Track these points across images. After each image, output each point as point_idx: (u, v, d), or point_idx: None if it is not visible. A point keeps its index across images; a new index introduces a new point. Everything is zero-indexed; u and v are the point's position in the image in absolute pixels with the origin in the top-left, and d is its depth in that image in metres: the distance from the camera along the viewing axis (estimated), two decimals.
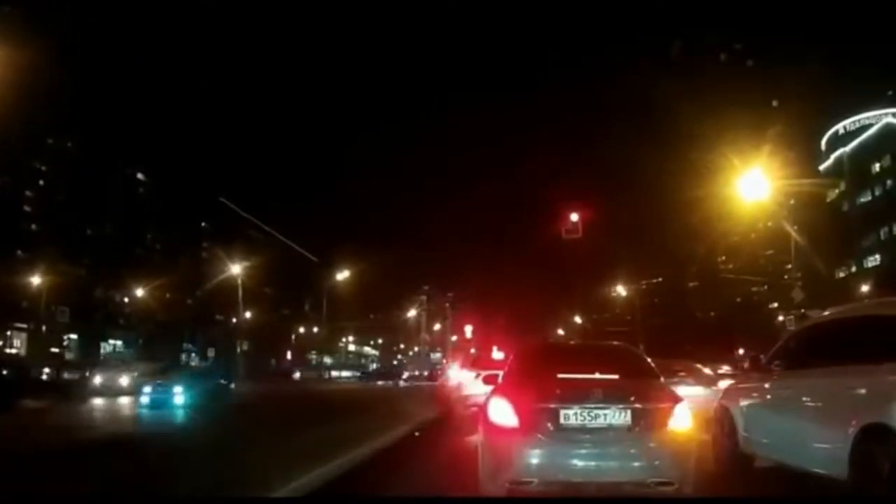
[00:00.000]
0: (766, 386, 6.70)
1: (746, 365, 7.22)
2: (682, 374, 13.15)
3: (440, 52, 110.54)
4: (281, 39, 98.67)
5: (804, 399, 5.77)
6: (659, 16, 77.06)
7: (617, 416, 4.82)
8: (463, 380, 14.82)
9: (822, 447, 5.21)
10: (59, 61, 41.20)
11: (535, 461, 4.80)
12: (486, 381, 6.68)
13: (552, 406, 4.87)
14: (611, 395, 4.94)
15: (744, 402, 6.98)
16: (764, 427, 6.44)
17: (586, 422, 4.82)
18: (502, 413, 4.99)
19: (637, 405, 4.88)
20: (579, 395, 4.93)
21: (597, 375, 5.48)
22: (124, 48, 53.67)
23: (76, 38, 46.41)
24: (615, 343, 8.21)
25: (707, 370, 15.46)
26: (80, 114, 52.46)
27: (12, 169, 49.46)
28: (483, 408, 5.38)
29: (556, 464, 4.79)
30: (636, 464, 4.76)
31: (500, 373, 6.21)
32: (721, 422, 7.29)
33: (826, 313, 6.64)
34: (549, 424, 4.82)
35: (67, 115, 52.43)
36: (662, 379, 5.78)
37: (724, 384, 12.92)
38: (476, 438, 5.71)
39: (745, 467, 6.80)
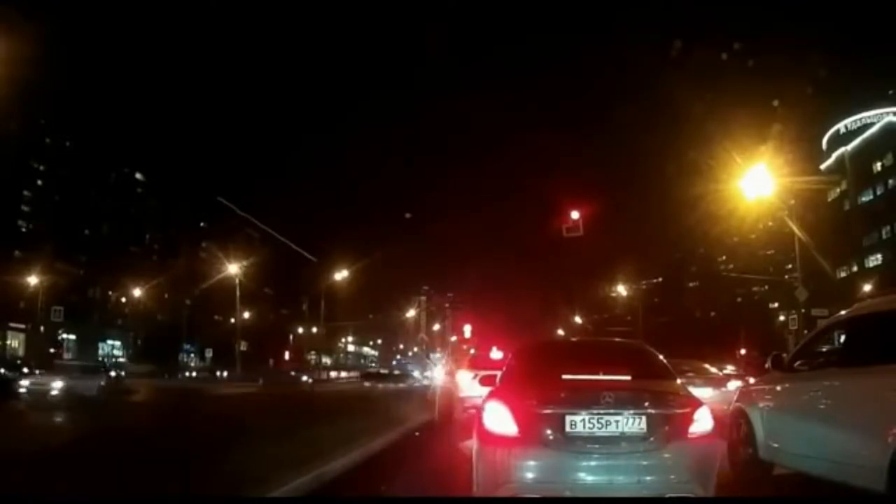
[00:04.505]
0: (791, 388, 6.15)
1: (768, 364, 6.70)
2: (691, 374, 12.89)
3: (443, 50, 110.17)
4: (282, 39, 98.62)
5: (836, 402, 5.25)
6: (659, 16, 76.94)
7: (630, 423, 4.30)
8: (460, 380, 14.54)
9: (857, 456, 4.72)
10: (57, 60, 40.98)
11: (536, 475, 4.30)
12: (484, 382, 6.05)
13: (556, 411, 4.34)
14: (623, 398, 4.37)
15: (764, 405, 6.47)
16: (788, 433, 5.92)
17: (595, 430, 4.29)
18: (499, 419, 4.46)
19: (653, 410, 4.34)
20: (587, 398, 4.37)
21: (606, 376, 4.83)
22: (123, 48, 53.60)
23: (75, 38, 46.26)
24: (625, 340, 7.77)
25: (714, 370, 15.23)
26: (78, 113, 52.40)
27: (10, 168, 49.14)
28: (478, 413, 4.83)
29: (561, 478, 4.28)
30: (652, 477, 4.23)
31: (499, 373, 5.66)
32: (738, 426, 6.77)
33: (859, 305, 6.02)
34: (552, 433, 4.29)
35: (65, 115, 52.35)
36: (679, 381, 5.22)
37: (732, 385, 12.68)
38: (470, 444, 5.17)
39: (764, 475, 6.31)
